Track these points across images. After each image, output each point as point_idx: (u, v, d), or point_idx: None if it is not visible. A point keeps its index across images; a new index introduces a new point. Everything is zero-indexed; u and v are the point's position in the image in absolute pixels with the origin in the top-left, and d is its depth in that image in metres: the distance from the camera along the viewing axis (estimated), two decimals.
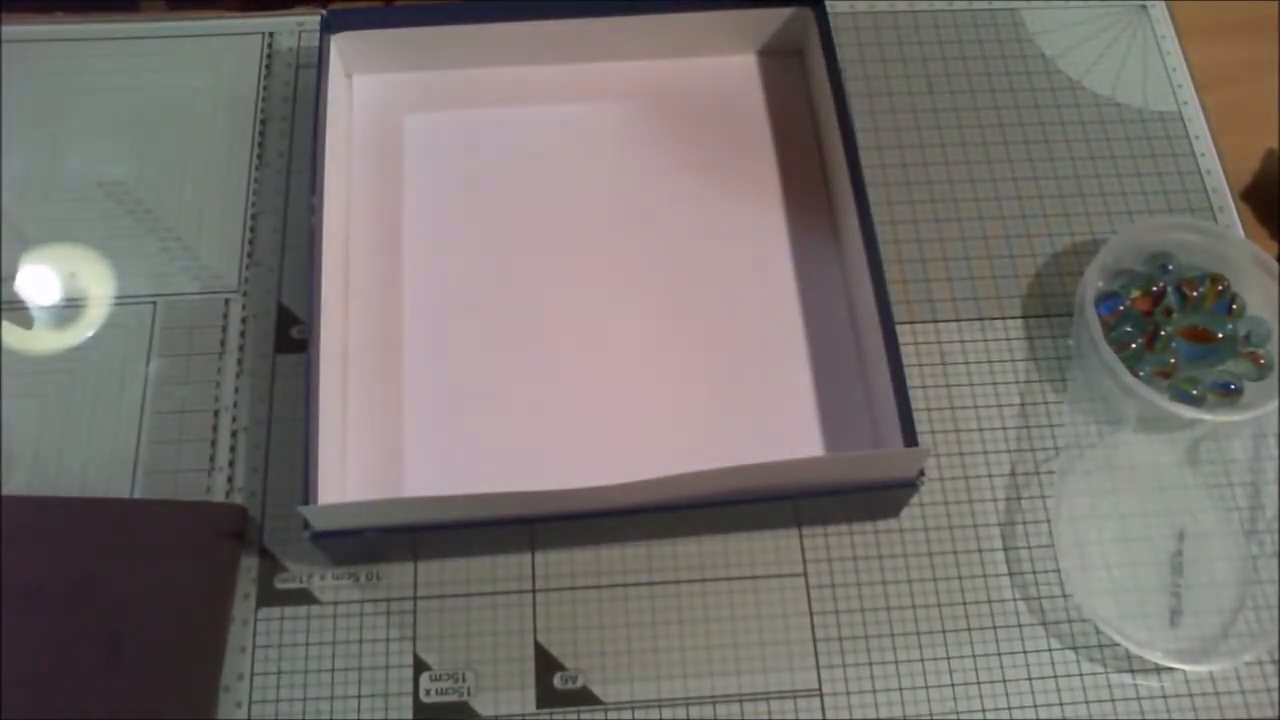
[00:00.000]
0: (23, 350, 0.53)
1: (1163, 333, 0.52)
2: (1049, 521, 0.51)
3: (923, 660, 0.48)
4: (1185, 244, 0.54)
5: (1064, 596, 0.50)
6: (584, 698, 0.47)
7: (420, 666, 0.48)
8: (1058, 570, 0.50)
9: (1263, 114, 0.62)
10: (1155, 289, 0.53)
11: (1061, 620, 0.49)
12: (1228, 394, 0.51)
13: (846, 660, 0.48)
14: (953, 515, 0.51)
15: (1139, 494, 0.52)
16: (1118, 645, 0.48)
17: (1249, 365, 0.52)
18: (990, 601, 0.50)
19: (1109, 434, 0.52)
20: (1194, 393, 0.51)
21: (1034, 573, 0.50)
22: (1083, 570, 0.50)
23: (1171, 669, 0.48)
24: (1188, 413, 0.50)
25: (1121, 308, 0.53)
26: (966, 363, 0.54)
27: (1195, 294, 0.53)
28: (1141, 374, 0.51)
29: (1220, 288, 0.53)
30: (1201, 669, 0.48)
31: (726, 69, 0.60)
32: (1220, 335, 0.52)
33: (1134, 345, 0.52)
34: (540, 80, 0.60)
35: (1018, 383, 0.54)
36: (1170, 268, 0.54)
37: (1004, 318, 0.55)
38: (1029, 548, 0.51)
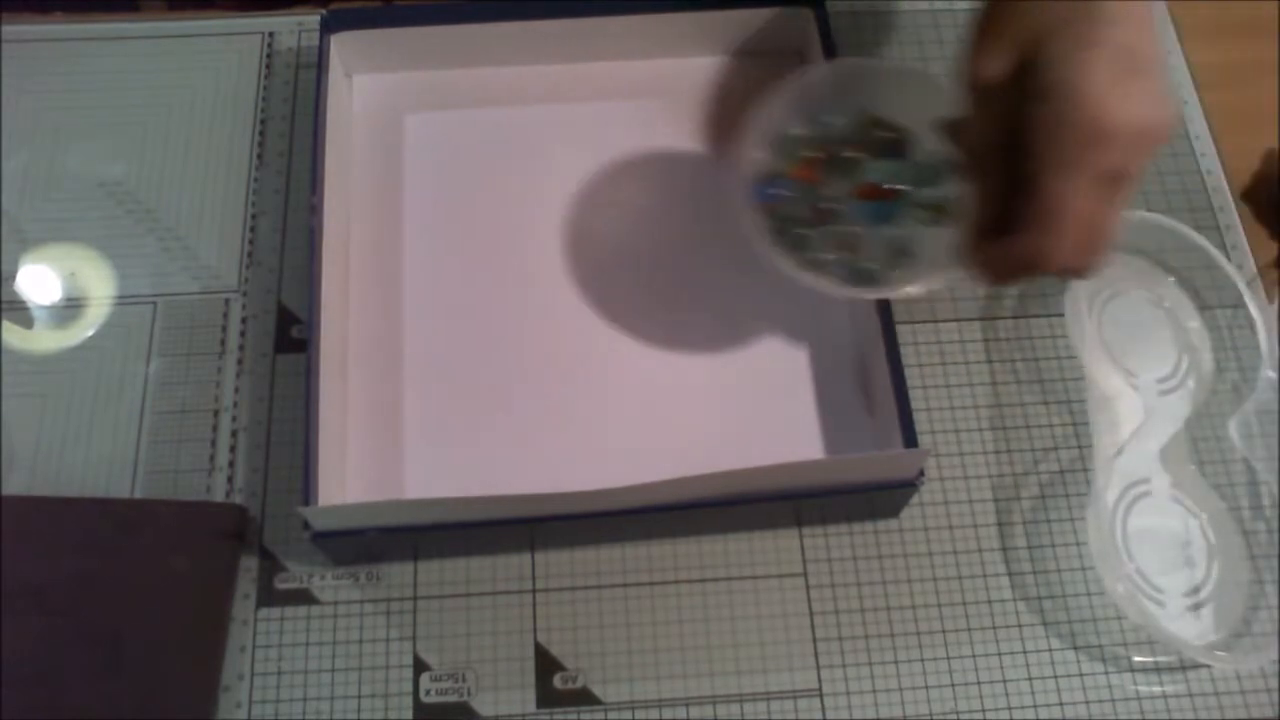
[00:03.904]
0: (23, 350, 0.53)
1: (830, 206, 0.50)
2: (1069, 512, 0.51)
3: (923, 660, 0.48)
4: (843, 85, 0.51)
5: (1063, 596, 0.50)
6: (584, 698, 0.47)
7: (420, 666, 0.48)
8: (1058, 570, 0.50)
9: (1263, 114, 0.62)
10: (810, 156, 0.50)
11: (1061, 620, 0.49)
12: (901, 259, 0.49)
13: (846, 660, 0.48)
14: (953, 515, 0.51)
15: (1155, 487, 0.52)
16: (1117, 645, 0.48)
17: (922, 216, 0.49)
18: (990, 601, 0.50)
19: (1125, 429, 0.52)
20: (874, 268, 0.49)
21: (1033, 573, 0.50)
22: (1108, 559, 0.50)
23: (1171, 670, 0.48)
24: (867, 294, 0.48)
25: (780, 190, 0.50)
26: (966, 363, 0.54)
27: (851, 158, 0.50)
28: (830, 255, 0.49)
29: (888, 128, 0.50)
30: (1231, 666, 0.48)
31: (726, 69, 0.60)
32: (894, 188, 0.49)
33: (797, 230, 0.49)
34: (540, 80, 0.60)
35: (1017, 383, 0.54)
36: (837, 120, 0.51)
37: (1004, 318, 0.55)
38: (1028, 548, 0.51)
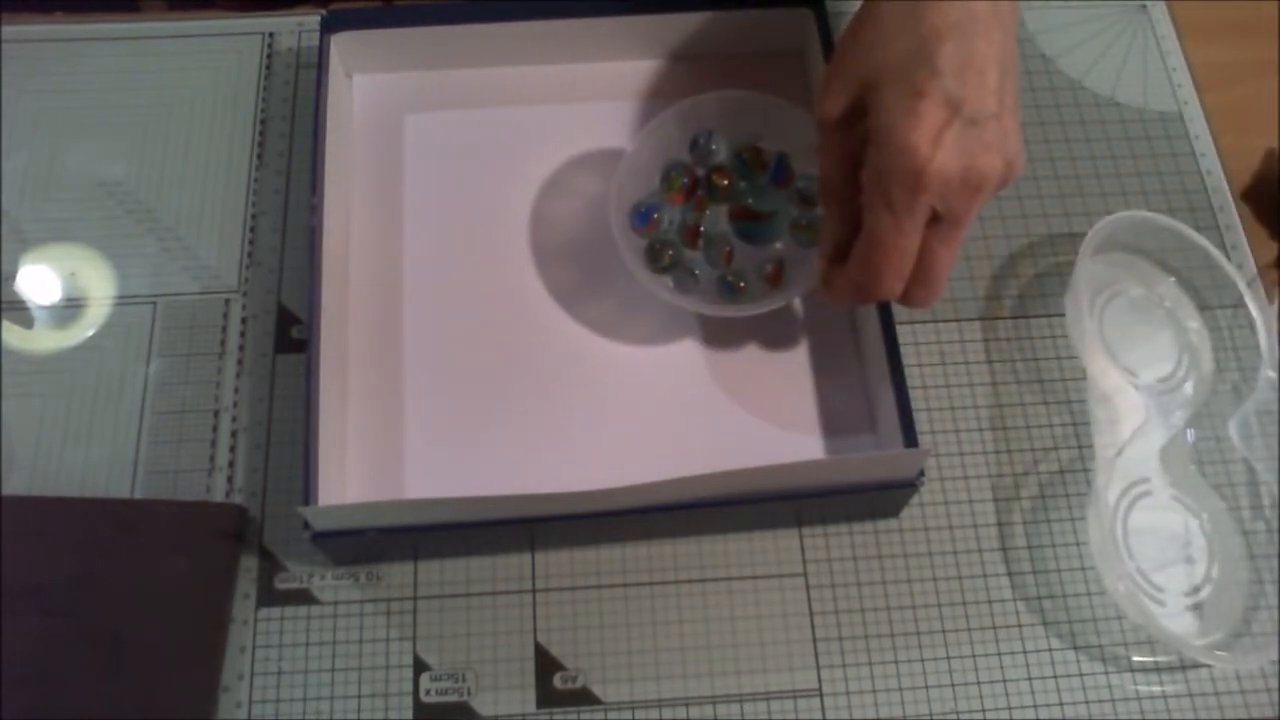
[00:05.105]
0: (23, 350, 0.53)
1: (703, 229, 0.52)
2: (1067, 509, 0.51)
3: (923, 660, 0.48)
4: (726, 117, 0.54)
5: (1063, 596, 0.50)
6: (584, 698, 0.47)
7: (420, 666, 0.48)
8: (1058, 570, 0.50)
9: (1263, 114, 0.62)
10: (685, 181, 0.53)
11: (1061, 620, 0.49)
12: (771, 276, 0.52)
13: (846, 660, 0.48)
14: (953, 515, 0.51)
15: (1153, 486, 0.52)
16: (1117, 645, 0.48)
17: (803, 237, 0.52)
18: (990, 601, 0.50)
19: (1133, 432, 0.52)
20: (740, 285, 0.52)
21: (1033, 573, 0.50)
22: (1109, 559, 0.50)
23: (1171, 669, 0.48)
24: (727, 311, 0.51)
25: (656, 215, 0.53)
26: (966, 363, 0.54)
27: (726, 182, 0.53)
28: (698, 271, 0.52)
29: (764, 156, 0.53)
30: (1232, 665, 0.48)
31: (726, 69, 0.60)
32: (772, 211, 0.52)
33: (671, 253, 0.52)
34: (540, 80, 0.60)
35: (1017, 383, 0.54)
36: (714, 146, 0.54)
37: (1004, 318, 0.55)
38: (1028, 548, 0.51)
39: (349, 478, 0.50)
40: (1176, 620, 0.49)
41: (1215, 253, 0.54)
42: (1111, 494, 0.51)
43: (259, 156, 0.58)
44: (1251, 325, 0.54)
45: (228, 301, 0.54)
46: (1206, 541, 0.51)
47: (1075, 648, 0.49)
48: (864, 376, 0.53)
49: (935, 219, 0.42)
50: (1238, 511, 0.51)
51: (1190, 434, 0.53)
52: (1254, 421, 0.53)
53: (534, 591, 0.49)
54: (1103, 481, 0.49)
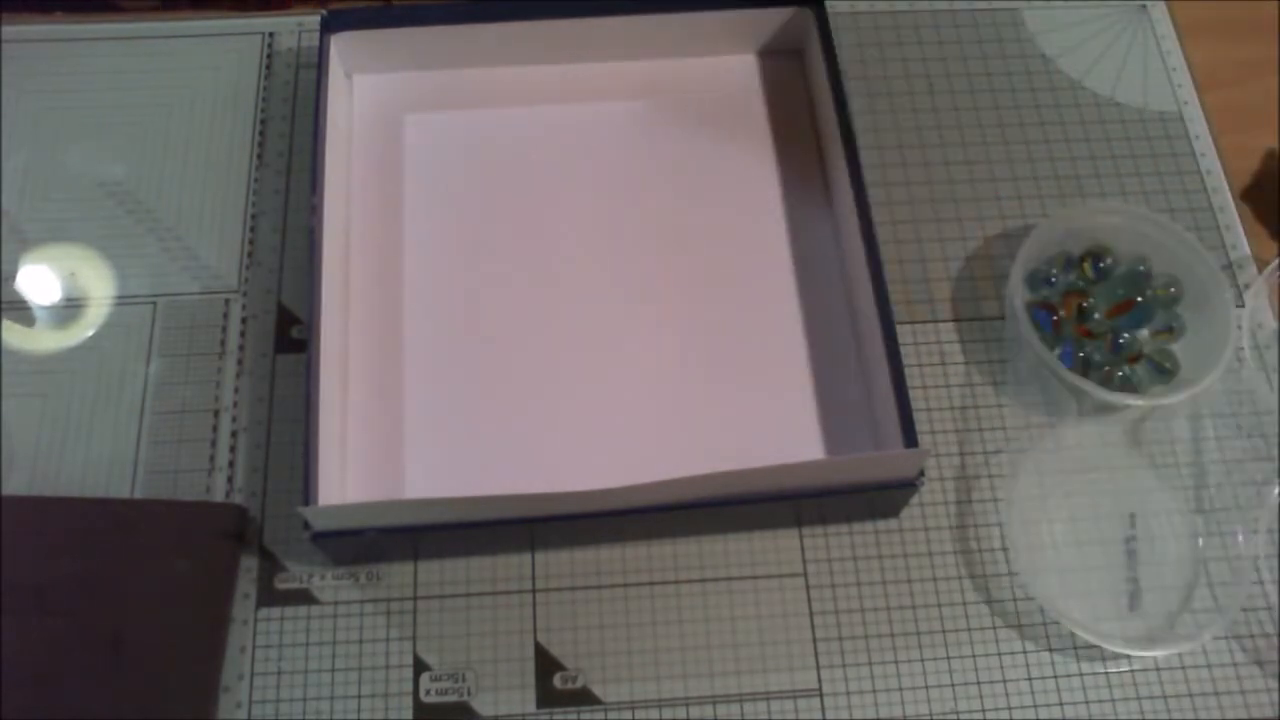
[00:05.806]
0: (23, 350, 0.53)
1: (1092, 318, 0.53)
2: (998, 503, 0.51)
3: (923, 660, 0.48)
4: (1112, 227, 0.54)
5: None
6: (584, 698, 0.47)
7: (420, 666, 0.48)
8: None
9: (1263, 114, 0.62)
10: (1080, 299, 0.54)
11: (1061, 620, 0.49)
12: (1161, 375, 0.52)
13: (846, 660, 0.48)
14: (953, 515, 0.51)
15: (1087, 479, 0.52)
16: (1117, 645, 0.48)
17: (1163, 340, 0.53)
18: (990, 601, 0.50)
19: (1056, 423, 0.52)
20: (1136, 382, 0.52)
21: None
22: (1029, 553, 0.50)
23: (1171, 669, 0.48)
24: (1128, 400, 0.51)
25: (1056, 318, 0.53)
26: (966, 363, 0.54)
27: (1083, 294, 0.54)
28: (1070, 346, 0.53)
29: (1142, 268, 0.54)
30: (1157, 653, 0.48)
31: (726, 69, 0.60)
32: (1140, 298, 0.53)
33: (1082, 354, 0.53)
34: (540, 80, 0.60)
35: (1018, 383, 0.54)
36: (1102, 265, 0.54)
37: (1004, 318, 0.55)
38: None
39: (349, 478, 0.50)
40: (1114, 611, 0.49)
41: (1210, 252, 0.54)
42: (1048, 480, 0.50)
43: (259, 156, 0.58)
44: (1251, 325, 0.54)
45: (228, 301, 0.54)
46: (1148, 527, 0.51)
47: (1075, 647, 0.49)
48: (864, 376, 0.53)
49: None
50: (1181, 493, 0.51)
51: (1127, 417, 0.53)
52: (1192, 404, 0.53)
53: (534, 591, 0.49)
54: (1039, 470, 0.49)
